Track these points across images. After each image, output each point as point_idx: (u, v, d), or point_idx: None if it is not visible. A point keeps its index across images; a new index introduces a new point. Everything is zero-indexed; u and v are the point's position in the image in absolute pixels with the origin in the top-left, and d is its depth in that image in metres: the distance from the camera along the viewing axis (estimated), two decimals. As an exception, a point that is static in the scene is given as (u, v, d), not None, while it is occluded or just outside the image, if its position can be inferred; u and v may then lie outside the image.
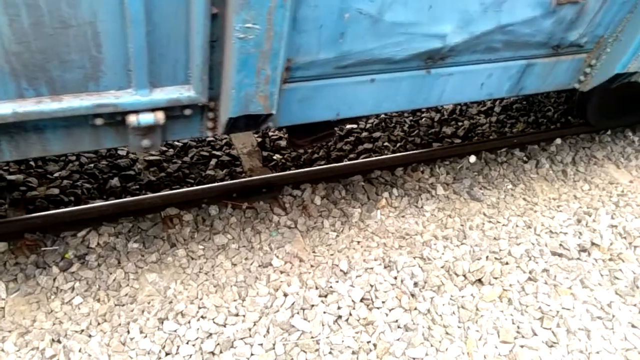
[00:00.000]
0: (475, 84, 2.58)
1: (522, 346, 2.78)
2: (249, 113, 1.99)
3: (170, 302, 2.79)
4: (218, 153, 4.17)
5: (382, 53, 2.17)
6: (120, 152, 3.98)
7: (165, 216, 3.26)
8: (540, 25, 2.37)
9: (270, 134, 4.51)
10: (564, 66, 2.77)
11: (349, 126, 4.72)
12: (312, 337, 2.69)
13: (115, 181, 3.67)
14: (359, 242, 3.33)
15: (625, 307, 3.07)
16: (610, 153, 4.53)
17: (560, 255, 3.34)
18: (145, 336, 2.61)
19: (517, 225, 3.58)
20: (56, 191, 3.51)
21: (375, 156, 4.23)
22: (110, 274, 2.91)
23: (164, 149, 4.13)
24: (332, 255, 3.21)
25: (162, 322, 2.68)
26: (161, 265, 2.99)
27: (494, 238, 3.45)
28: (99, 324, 2.65)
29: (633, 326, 2.96)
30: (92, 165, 3.83)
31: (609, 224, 3.65)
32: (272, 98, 1.96)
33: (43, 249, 2.96)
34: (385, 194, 3.71)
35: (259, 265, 3.07)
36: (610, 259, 3.38)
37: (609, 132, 4.81)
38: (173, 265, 3.00)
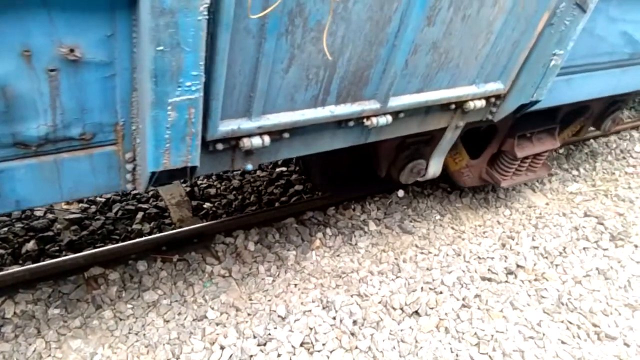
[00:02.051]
0: None
1: (462, 374, 2.82)
2: None
3: (98, 369, 2.60)
4: (144, 206, 4.03)
5: None
6: (36, 213, 3.75)
7: (89, 277, 3.07)
8: None
9: (199, 182, 4.43)
10: (81, 165, 1.88)
11: (279, 169, 4.74)
12: (253, 390, 2.59)
13: (31, 244, 3.44)
14: (296, 284, 3.29)
15: (553, 324, 3.21)
16: (525, 179, 4.83)
17: (489, 279, 3.47)
18: (70, 410, 2.41)
19: (447, 254, 3.69)
20: (-36, 260, 3.23)
21: (307, 197, 4.26)
22: (30, 344, 2.68)
23: (86, 205, 3.94)
24: (269, 301, 3.14)
25: (89, 393, 2.49)
26: (86, 330, 2.79)
27: (427, 268, 3.53)
28: (16, 402, 2.42)
29: (562, 342, 3.09)
30: (5, 229, 3.57)
31: (531, 246, 3.85)
32: None
33: (-51, 325, 2.69)
34: (319, 234, 3.71)
35: (194, 319, 2.95)
36: (535, 279, 3.55)
37: (522, 159, 5.13)
38: (99, 328, 2.81)
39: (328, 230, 3.77)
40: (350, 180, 4.00)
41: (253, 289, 3.21)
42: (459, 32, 2.20)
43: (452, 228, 4.03)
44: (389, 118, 2.33)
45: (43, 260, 3.21)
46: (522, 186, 4.71)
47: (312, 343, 2.86)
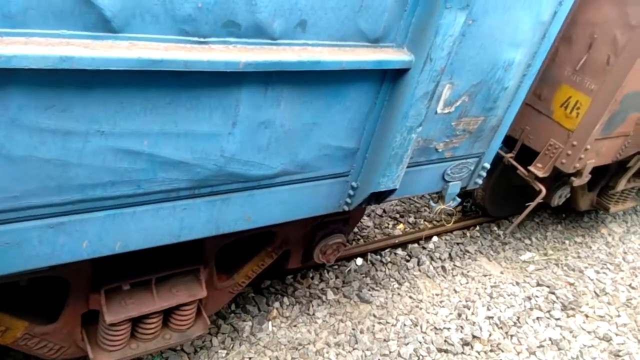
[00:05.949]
0: None
1: None
2: None
3: None
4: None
5: None
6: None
7: None
8: None
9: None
10: None
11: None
12: None
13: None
14: (250, 358, 3.20)
15: (509, 397, 3.21)
16: (481, 247, 4.94)
17: (446, 351, 3.47)
18: None
19: (404, 325, 3.69)
20: None
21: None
22: None
23: None
24: (221, 376, 3.04)
25: None
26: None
27: (384, 340, 3.50)
28: None
29: (518, 416, 3.09)
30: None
31: (486, 316, 3.90)
32: None
33: None
34: (277, 304, 3.66)
35: (140, 398, 2.81)
36: (491, 350, 3.57)
37: (477, 228, 5.28)
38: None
39: (285, 300, 3.72)
40: None
41: (205, 363, 3.10)
42: None
43: (410, 297, 4.05)
44: None
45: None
46: (477, 254, 4.81)
47: (264, 422, 2.76)
